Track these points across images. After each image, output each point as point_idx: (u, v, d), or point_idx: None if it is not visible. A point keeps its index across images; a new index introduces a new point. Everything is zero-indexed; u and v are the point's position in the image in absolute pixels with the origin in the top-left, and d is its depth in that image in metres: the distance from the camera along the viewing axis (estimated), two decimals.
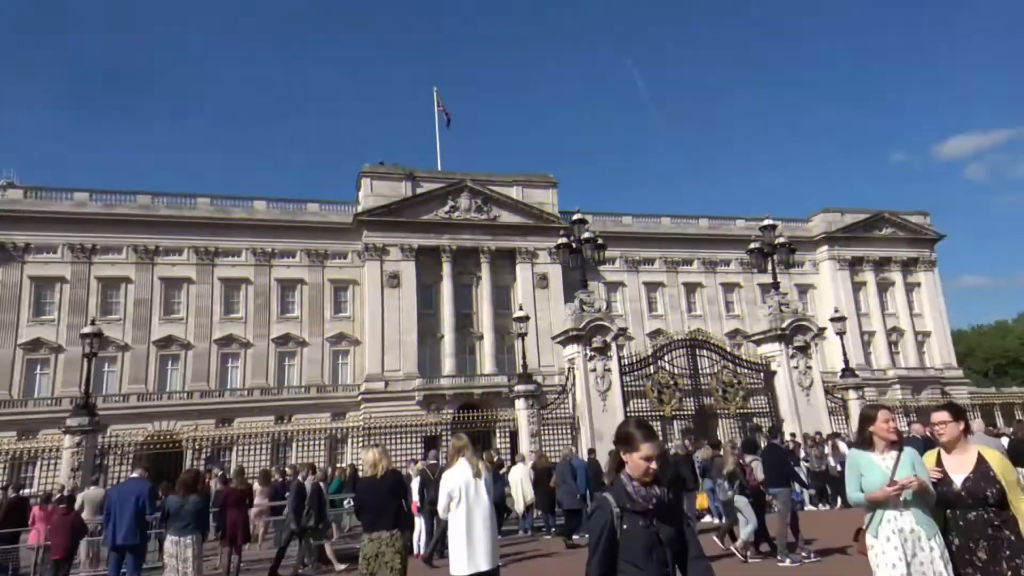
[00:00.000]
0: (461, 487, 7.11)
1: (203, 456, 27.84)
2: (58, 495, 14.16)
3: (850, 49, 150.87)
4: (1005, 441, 13.39)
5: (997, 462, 4.73)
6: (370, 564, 6.99)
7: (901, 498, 4.78)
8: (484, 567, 6.86)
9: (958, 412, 4.98)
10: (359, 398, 49.78)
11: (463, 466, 7.24)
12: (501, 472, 17.50)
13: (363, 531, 7.38)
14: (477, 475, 7.22)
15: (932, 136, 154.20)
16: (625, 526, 3.67)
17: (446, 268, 53.96)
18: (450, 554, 7.14)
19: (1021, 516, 4.57)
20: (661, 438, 20.43)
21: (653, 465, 3.77)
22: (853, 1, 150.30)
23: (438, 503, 7.33)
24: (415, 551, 14.63)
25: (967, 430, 5.00)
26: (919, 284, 66.50)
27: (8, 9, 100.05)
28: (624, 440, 3.90)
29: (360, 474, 12.96)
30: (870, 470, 5.02)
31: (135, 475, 11.05)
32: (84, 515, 13.88)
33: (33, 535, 14.58)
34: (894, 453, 5.00)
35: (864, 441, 5.20)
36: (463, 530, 6.93)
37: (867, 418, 5.22)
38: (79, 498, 14.46)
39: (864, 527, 5.06)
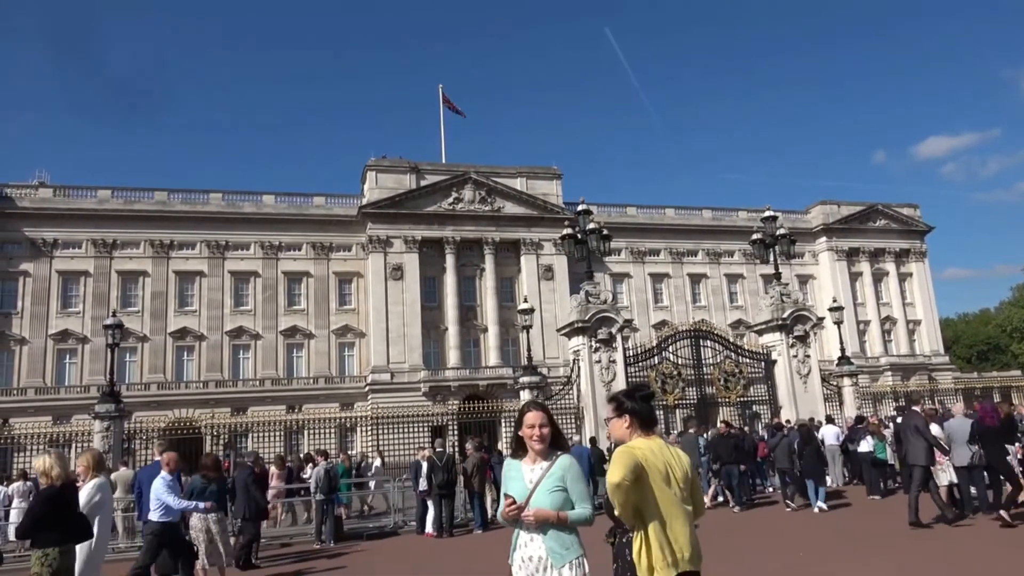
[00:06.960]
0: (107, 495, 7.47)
1: (221, 442, 28.77)
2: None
3: (836, 50, 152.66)
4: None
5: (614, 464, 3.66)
6: None
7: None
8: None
9: (620, 405, 3.95)
10: (366, 389, 50.53)
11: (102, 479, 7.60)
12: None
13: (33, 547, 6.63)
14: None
15: (911, 136, 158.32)
16: None
17: (449, 260, 54.17)
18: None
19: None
20: (663, 426, 21.09)
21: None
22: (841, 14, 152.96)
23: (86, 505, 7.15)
24: (426, 530, 15.36)
25: (641, 426, 3.86)
26: (911, 274, 67.52)
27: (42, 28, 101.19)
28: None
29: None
30: (513, 482, 4.19)
31: (159, 457, 11.68)
32: (116, 494, 14.73)
33: None
34: (544, 464, 4.14)
35: (519, 446, 4.26)
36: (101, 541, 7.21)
37: (520, 416, 4.29)
38: (112, 477, 15.25)
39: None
